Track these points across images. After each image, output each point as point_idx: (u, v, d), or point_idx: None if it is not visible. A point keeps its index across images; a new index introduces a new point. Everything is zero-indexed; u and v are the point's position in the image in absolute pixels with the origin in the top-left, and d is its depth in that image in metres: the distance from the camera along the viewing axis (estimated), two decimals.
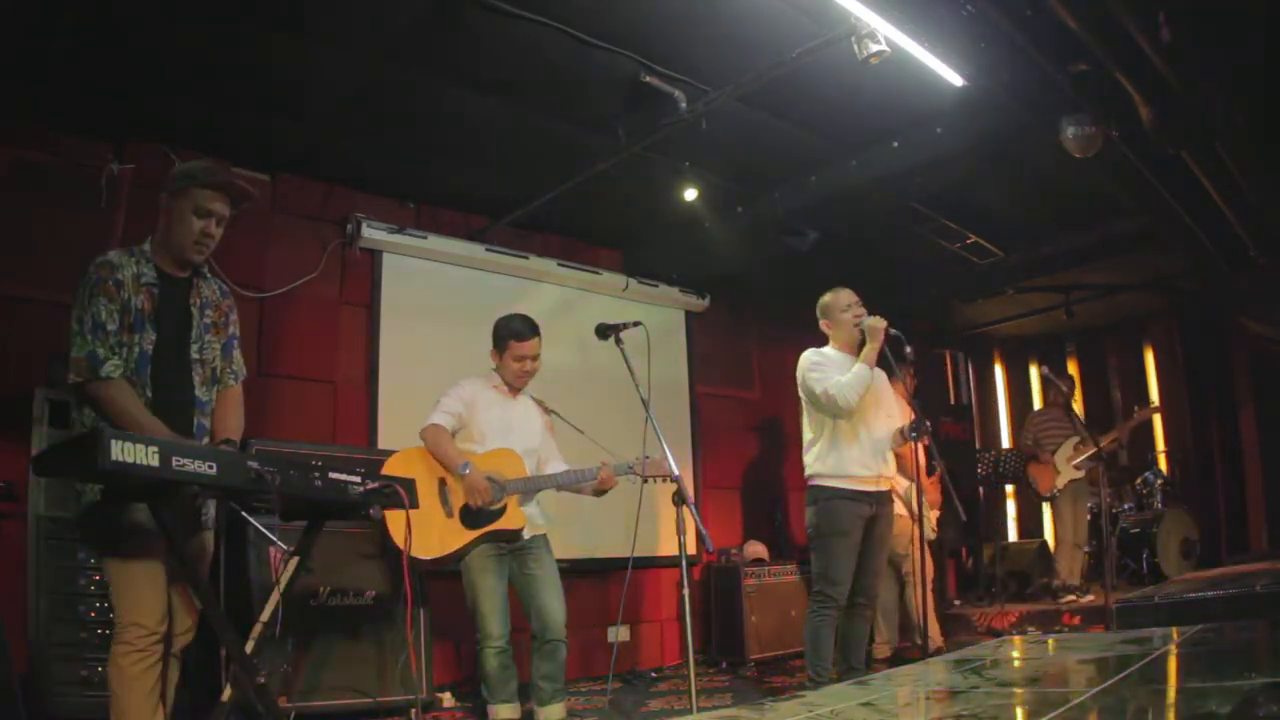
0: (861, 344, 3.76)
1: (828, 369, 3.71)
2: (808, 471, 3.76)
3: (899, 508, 4.66)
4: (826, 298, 3.89)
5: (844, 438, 3.69)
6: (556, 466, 3.65)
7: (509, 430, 3.56)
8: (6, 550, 3.31)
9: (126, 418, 2.31)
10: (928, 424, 3.82)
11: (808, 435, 3.80)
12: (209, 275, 2.70)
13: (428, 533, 3.26)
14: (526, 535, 3.49)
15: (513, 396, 3.63)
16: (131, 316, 2.43)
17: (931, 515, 5.16)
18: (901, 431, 3.86)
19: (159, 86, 3.78)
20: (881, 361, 3.74)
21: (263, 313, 4.53)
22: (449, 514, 3.38)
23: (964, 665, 3.08)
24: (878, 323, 3.66)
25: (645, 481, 3.47)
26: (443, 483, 3.41)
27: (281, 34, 3.49)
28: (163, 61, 3.60)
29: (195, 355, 2.58)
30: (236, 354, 2.75)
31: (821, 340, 3.91)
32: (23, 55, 3.47)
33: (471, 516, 3.39)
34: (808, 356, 3.80)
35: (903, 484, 4.84)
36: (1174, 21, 3.03)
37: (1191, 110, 3.49)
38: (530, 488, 3.49)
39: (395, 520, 3.17)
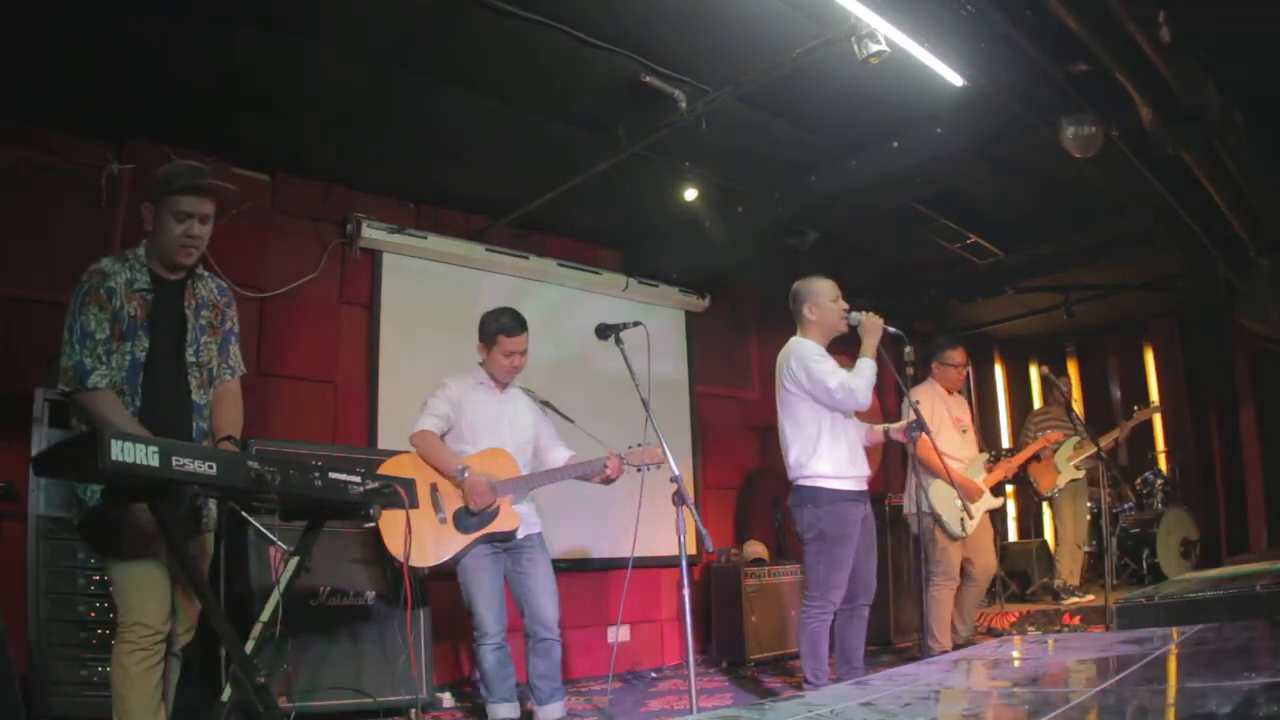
0: (842, 337, 3.72)
1: (831, 360, 3.61)
2: (806, 471, 3.58)
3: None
4: (813, 285, 3.72)
5: (843, 437, 3.63)
6: (559, 452, 3.65)
7: (500, 426, 3.56)
8: (6, 550, 3.31)
9: (111, 428, 2.30)
10: (925, 423, 3.80)
11: (799, 432, 3.62)
12: (205, 274, 2.67)
13: (422, 540, 3.25)
14: (520, 535, 3.49)
15: (500, 391, 3.63)
16: (124, 324, 2.41)
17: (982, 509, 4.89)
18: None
19: (158, 86, 3.78)
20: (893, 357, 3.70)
21: (263, 313, 4.53)
22: (442, 520, 3.37)
23: (964, 665, 3.08)
24: (876, 319, 3.60)
25: (639, 470, 3.47)
26: (434, 488, 3.40)
27: (281, 34, 3.48)
28: (162, 61, 3.60)
29: (191, 359, 2.57)
30: (234, 349, 2.72)
31: None
32: (23, 55, 3.47)
33: (465, 521, 3.39)
34: (807, 347, 3.63)
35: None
36: (1174, 21, 3.03)
37: (1191, 110, 3.49)
38: (523, 488, 3.49)
39: (389, 529, 3.19)
